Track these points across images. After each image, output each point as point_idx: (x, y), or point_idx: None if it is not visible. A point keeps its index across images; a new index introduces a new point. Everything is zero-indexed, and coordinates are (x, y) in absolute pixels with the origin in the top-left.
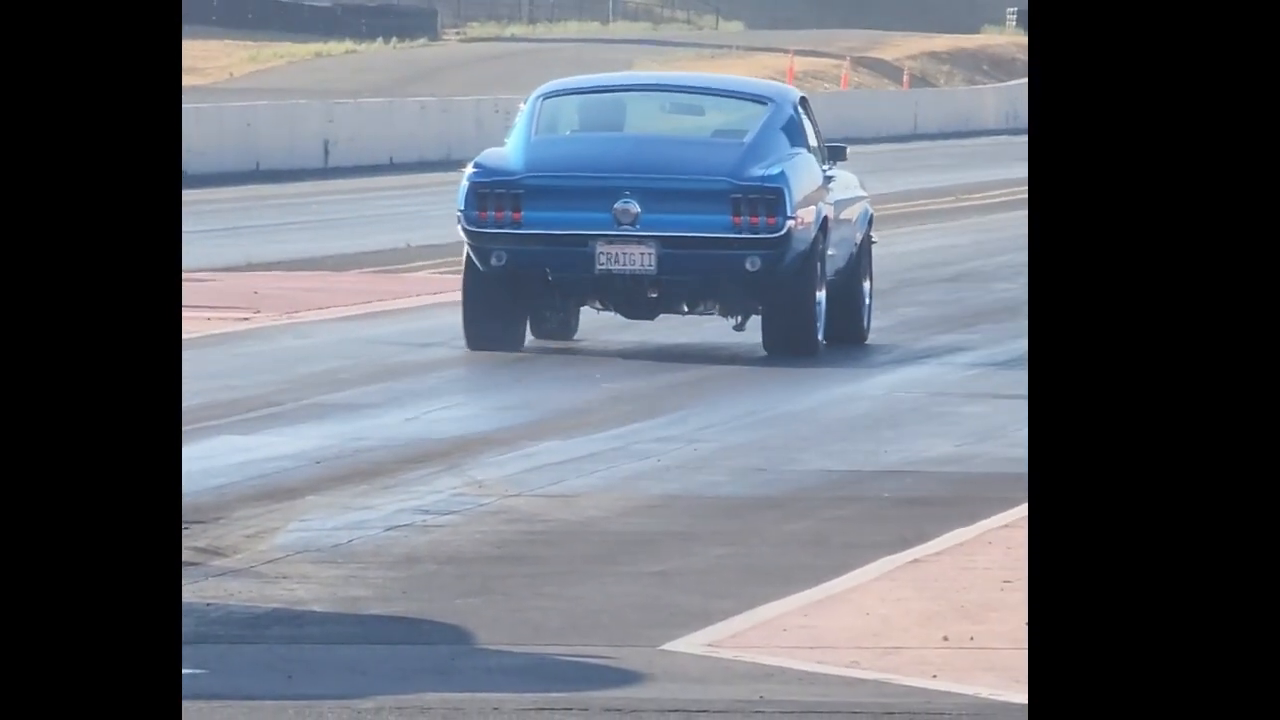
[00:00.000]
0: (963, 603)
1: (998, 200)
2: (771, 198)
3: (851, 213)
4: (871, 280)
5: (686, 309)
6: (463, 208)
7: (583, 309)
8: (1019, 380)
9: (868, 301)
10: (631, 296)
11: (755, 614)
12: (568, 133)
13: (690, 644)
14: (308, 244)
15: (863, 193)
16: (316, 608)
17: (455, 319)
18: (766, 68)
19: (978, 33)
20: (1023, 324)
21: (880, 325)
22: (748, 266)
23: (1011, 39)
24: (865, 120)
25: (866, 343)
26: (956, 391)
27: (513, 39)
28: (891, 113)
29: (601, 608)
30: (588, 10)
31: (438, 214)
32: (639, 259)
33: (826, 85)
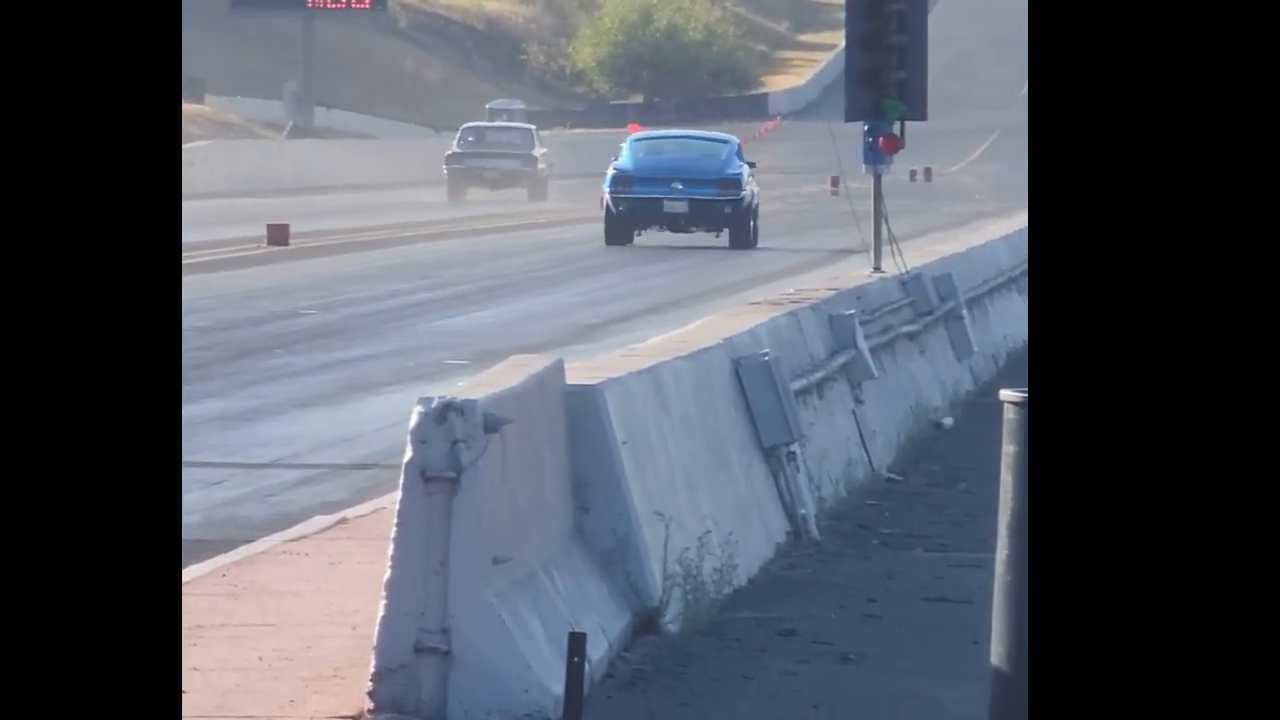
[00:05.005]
0: None
1: None
2: (736, 181)
3: (754, 188)
4: (758, 217)
5: (694, 229)
6: (608, 186)
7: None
8: None
9: (757, 225)
10: (676, 224)
11: None
12: (643, 154)
13: None
14: None
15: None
16: None
17: None
18: None
19: None
20: None
21: None
22: (726, 210)
23: None
24: None
25: None
26: None
27: None
28: None
29: None
30: None
31: None
32: (681, 208)
33: None
